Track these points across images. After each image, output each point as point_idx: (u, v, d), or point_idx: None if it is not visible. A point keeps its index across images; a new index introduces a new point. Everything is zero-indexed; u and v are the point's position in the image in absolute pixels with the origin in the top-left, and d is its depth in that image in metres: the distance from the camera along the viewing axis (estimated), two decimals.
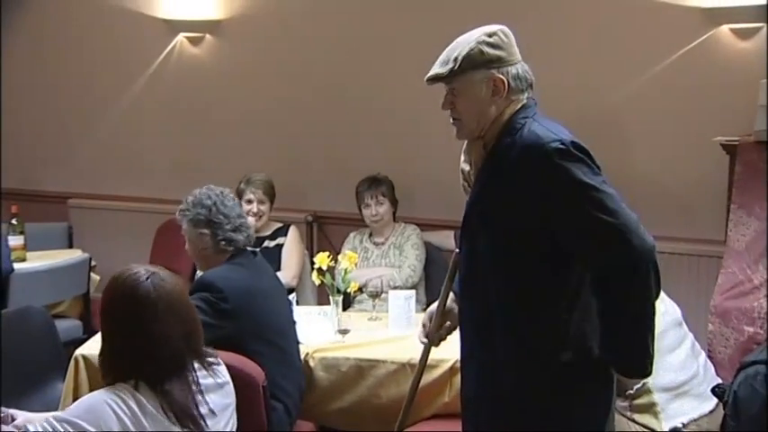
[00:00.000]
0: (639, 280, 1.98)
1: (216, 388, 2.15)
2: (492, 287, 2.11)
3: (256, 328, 2.84)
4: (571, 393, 2.08)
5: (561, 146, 1.99)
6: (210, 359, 2.18)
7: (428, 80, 2.14)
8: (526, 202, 2.03)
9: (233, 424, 2.21)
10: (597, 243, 1.98)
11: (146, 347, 2.02)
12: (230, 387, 2.23)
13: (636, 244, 1.95)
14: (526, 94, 2.13)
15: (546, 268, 2.05)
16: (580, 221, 1.99)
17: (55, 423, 1.93)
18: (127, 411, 1.96)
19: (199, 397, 2.07)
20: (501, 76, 2.09)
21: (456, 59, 2.08)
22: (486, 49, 2.08)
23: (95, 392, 2.02)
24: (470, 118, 2.12)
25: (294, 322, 3.14)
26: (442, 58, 2.13)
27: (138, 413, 1.97)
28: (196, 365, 2.11)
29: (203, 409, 2.07)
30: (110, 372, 2.05)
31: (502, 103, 2.11)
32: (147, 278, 2.05)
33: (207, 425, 2.07)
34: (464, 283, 2.23)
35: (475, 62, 2.07)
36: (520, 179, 2.03)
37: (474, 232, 2.16)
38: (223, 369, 2.22)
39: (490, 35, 2.09)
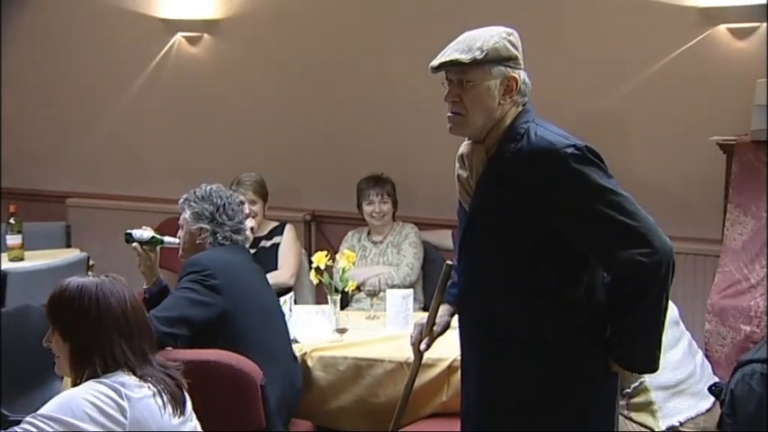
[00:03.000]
0: (660, 280, 2.00)
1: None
2: (496, 296, 2.10)
3: (246, 302, 2.88)
4: (582, 397, 2.10)
5: (576, 151, 1.99)
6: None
7: (440, 66, 2.06)
8: (536, 210, 2.01)
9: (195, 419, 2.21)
10: (619, 245, 1.98)
11: (121, 334, 2.03)
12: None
13: (657, 245, 1.97)
14: (526, 99, 2.12)
15: (552, 276, 2.05)
16: (601, 225, 1.99)
17: (34, 421, 1.93)
18: (109, 402, 1.94)
19: (177, 376, 2.09)
20: (515, 76, 2.07)
21: (481, 49, 2.02)
22: (509, 46, 2.06)
23: (73, 389, 2.02)
24: (477, 114, 2.07)
25: (284, 316, 3.15)
26: (459, 46, 2.06)
27: (121, 401, 1.95)
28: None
29: (184, 395, 2.09)
30: (86, 371, 2.04)
31: (507, 106, 2.08)
32: (101, 280, 2.08)
33: (185, 410, 2.08)
34: (464, 295, 2.21)
35: (499, 56, 2.04)
36: (532, 187, 2.01)
37: (476, 241, 2.14)
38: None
39: (510, 33, 2.09)
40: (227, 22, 4.99)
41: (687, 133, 4.07)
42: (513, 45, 2.08)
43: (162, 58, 5.18)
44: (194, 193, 3.04)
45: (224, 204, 3.01)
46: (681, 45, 4.03)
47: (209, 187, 3.06)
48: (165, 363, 2.13)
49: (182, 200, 3.06)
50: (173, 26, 5.08)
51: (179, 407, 2.05)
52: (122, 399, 1.95)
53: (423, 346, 2.37)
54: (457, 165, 2.20)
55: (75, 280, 2.09)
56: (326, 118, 4.87)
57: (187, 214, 3.02)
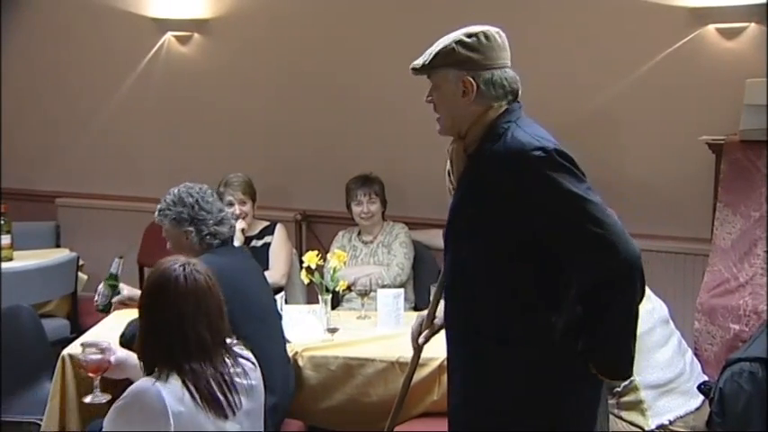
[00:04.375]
0: (626, 288, 1.98)
1: (241, 389, 2.16)
2: (478, 295, 2.10)
3: (242, 309, 2.82)
4: (560, 396, 2.08)
5: (543, 154, 1.98)
6: (240, 357, 2.21)
7: (411, 70, 2.17)
8: (510, 211, 2.01)
9: (258, 427, 2.22)
10: (584, 253, 1.98)
11: (169, 333, 2.09)
12: (257, 392, 2.23)
13: (622, 254, 1.95)
14: (506, 100, 2.11)
15: (532, 276, 2.05)
16: (566, 232, 1.98)
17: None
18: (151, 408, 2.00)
19: (224, 388, 2.10)
20: (470, 79, 2.08)
21: (430, 54, 2.11)
22: (459, 49, 2.09)
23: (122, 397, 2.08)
24: (444, 114, 2.15)
25: (280, 317, 3.14)
26: (426, 50, 2.15)
27: (168, 402, 2.01)
28: (227, 361, 2.15)
29: (230, 400, 2.10)
30: (143, 358, 2.14)
31: (477, 107, 2.10)
32: (180, 266, 2.15)
33: (233, 414, 2.10)
34: (449, 290, 2.21)
35: (446, 60, 2.09)
36: (503, 188, 2.02)
37: (457, 239, 2.15)
38: (253, 371, 2.23)
39: (469, 36, 2.10)
40: (217, 21, 4.99)
41: (677, 133, 4.09)
42: (469, 47, 2.08)
43: (152, 57, 5.17)
44: (165, 201, 2.99)
45: (197, 200, 2.96)
46: (670, 45, 4.04)
47: (176, 190, 3.00)
48: (228, 362, 2.15)
49: (157, 214, 3.00)
50: (163, 25, 5.07)
51: (218, 407, 2.06)
52: (162, 403, 2.00)
53: (421, 339, 2.39)
54: (448, 161, 2.23)
55: (161, 271, 2.15)
56: (317, 117, 4.86)
57: (167, 224, 2.97)
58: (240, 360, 2.20)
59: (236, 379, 2.15)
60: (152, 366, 2.09)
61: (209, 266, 2.82)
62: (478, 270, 2.10)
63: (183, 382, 2.04)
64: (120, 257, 3.16)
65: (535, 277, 2.05)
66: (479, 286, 2.10)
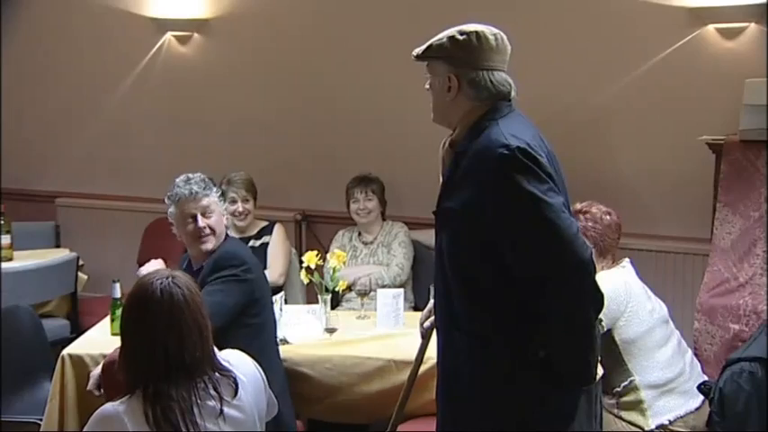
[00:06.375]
0: (572, 292, 1.97)
1: (211, 413, 2.00)
2: (454, 288, 2.11)
3: (260, 302, 2.92)
4: (533, 394, 2.05)
5: (506, 152, 1.98)
6: (227, 374, 2.06)
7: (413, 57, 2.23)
8: (477, 206, 2.02)
9: None
10: (532, 253, 1.97)
11: (138, 352, 2.01)
12: (247, 407, 2.07)
13: (570, 257, 1.94)
14: (491, 101, 2.11)
15: (501, 272, 2.03)
16: (517, 230, 1.98)
17: None
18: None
19: (185, 415, 1.96)
20: (455, 76, 2.11)
21: (427, 46, 2.16)
22: (449, 45, 2.12)
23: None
24: (435, 105, 2.20)
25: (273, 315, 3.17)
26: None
27: (130, 426, 1.93)
28: (206, 380, 2.01)
29: (189, 427, 1.96)
30: (122, 378, 2.05)
31: (460, 103, 2.13)
32: (159, 281, 2.01)
33: None
34: (435, 282, 2.23)
35: (437, 53, 2.14)
36: (472, 184, 2.04)
37: (438, 232, 2.18)
38: (245, 383, 2.09)
39: (462, 33, 2.13)
40: (217, 21, 4.99)
41: (676, 133, 4.09)
42: (459, 44, 2.11)
43: (152, 57, 5.17)
44: (202, 182, 3.00)
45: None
46: (670, 45, 4.04)
47: (196, 176, 3.03)
48: (208, 382, 2.01)
49: (204, 186, 2.99)
50: (163, 25, 5.07)
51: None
52: (124, 428, 1.92)
53: (426, 324, 2.45)
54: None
55: (138, 281, 2.05)
56: (316, 117, 4.86)
57: (216, 197, 3.02)
58: (226, 377, 2.05)
59: (210, 402, 1.99)
60: (129, 386, 2.00)
61: (246, 253, 2.93)
62: (453, 264, 2.10)
63: (145, 404, 1.94)
64: (117, 280, 3.24)
65: (504, 274, 2.02)
66: (454, 280, 2.10)
